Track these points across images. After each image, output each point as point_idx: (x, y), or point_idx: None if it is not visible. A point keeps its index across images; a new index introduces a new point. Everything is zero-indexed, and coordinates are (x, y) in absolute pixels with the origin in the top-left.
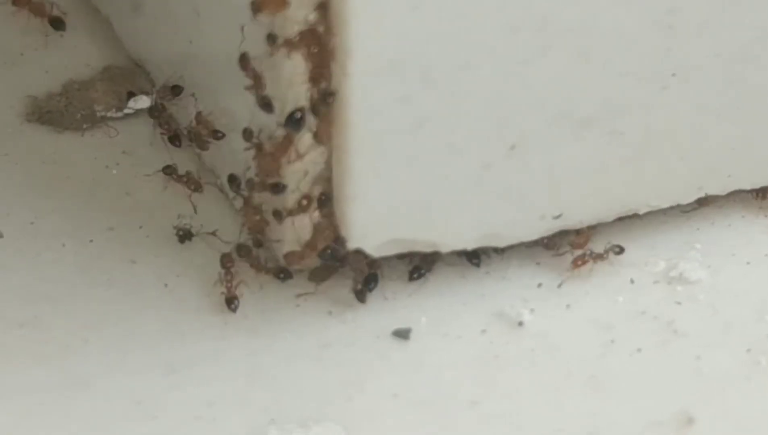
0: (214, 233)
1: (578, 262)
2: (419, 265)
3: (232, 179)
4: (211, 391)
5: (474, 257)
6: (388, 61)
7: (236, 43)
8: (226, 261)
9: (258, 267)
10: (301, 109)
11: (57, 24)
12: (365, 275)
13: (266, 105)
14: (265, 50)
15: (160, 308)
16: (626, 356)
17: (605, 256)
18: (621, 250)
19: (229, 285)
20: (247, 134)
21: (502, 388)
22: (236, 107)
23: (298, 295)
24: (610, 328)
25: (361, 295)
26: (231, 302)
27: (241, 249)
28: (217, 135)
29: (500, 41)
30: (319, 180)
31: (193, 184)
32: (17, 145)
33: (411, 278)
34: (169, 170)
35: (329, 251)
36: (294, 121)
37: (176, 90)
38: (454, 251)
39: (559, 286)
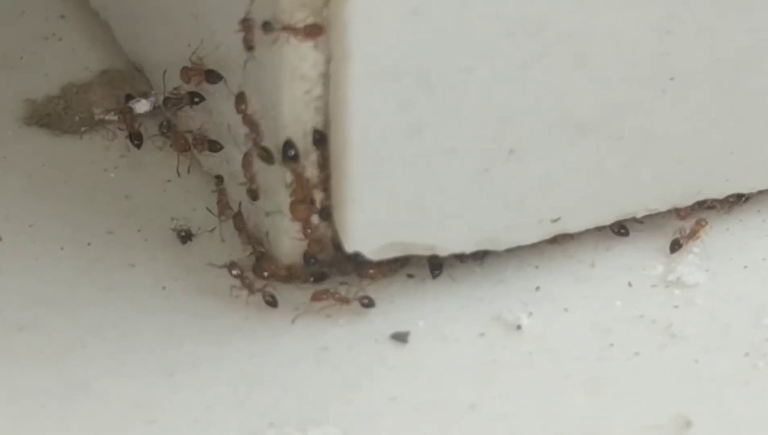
0: (212, 231)
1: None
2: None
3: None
4: (209, 395)
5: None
6: (386, 66)
7: (233, 46)
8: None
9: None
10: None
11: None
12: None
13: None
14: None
15: (159, 311)
16: (624, 360)
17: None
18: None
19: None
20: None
21: (500, 391)
22: (232, 110)
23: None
24: (608, 332)
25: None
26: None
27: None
28: (216, 146)
29: (498, 46)
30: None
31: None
32: (16, 148)
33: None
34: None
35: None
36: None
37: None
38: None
39: None
